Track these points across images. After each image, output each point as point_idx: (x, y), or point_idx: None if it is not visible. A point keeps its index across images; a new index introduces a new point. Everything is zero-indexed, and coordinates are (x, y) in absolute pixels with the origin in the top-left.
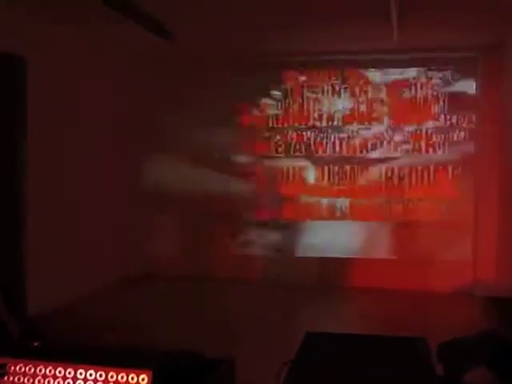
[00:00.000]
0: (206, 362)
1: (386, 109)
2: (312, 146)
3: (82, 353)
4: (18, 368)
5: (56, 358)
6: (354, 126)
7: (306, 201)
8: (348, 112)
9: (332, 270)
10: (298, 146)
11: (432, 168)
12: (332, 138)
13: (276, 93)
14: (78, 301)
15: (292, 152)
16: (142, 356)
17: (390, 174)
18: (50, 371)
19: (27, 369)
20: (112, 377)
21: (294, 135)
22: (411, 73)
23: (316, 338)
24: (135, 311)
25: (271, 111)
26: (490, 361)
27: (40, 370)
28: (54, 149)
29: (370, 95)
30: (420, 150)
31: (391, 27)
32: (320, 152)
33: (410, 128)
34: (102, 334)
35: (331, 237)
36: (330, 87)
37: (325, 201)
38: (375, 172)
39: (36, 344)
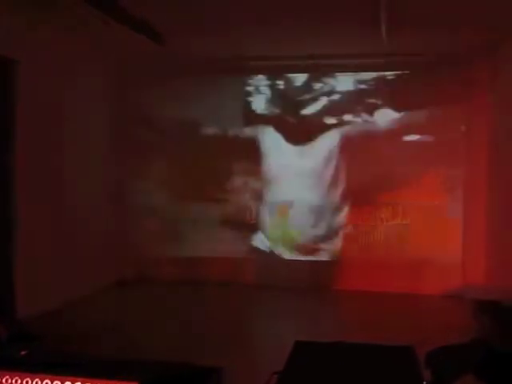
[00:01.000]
0: (193, 372)
1: (378, 112)
2: None
3: (69, 363)
4: (4, 380)
5: (43, 369)
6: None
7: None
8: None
9: (322, 273)
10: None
11: (422, 172)
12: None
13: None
14: (70, 304)
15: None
16: (129, 367)
17: (381, 177)
18: (36, 383)
19: (13, 381)
20: None
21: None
22: (402, 76)
23: (305, 346)
24: (125, 316)
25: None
26: (477, 368)
27: (27, 382)
28: (46, 151)
29: (360, 99)
30: (411, 153)
31: (381, 31)
32: None
33: (402, 131)
34: (91, 338)
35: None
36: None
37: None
38: (366, 174)
39: (23, 353)
